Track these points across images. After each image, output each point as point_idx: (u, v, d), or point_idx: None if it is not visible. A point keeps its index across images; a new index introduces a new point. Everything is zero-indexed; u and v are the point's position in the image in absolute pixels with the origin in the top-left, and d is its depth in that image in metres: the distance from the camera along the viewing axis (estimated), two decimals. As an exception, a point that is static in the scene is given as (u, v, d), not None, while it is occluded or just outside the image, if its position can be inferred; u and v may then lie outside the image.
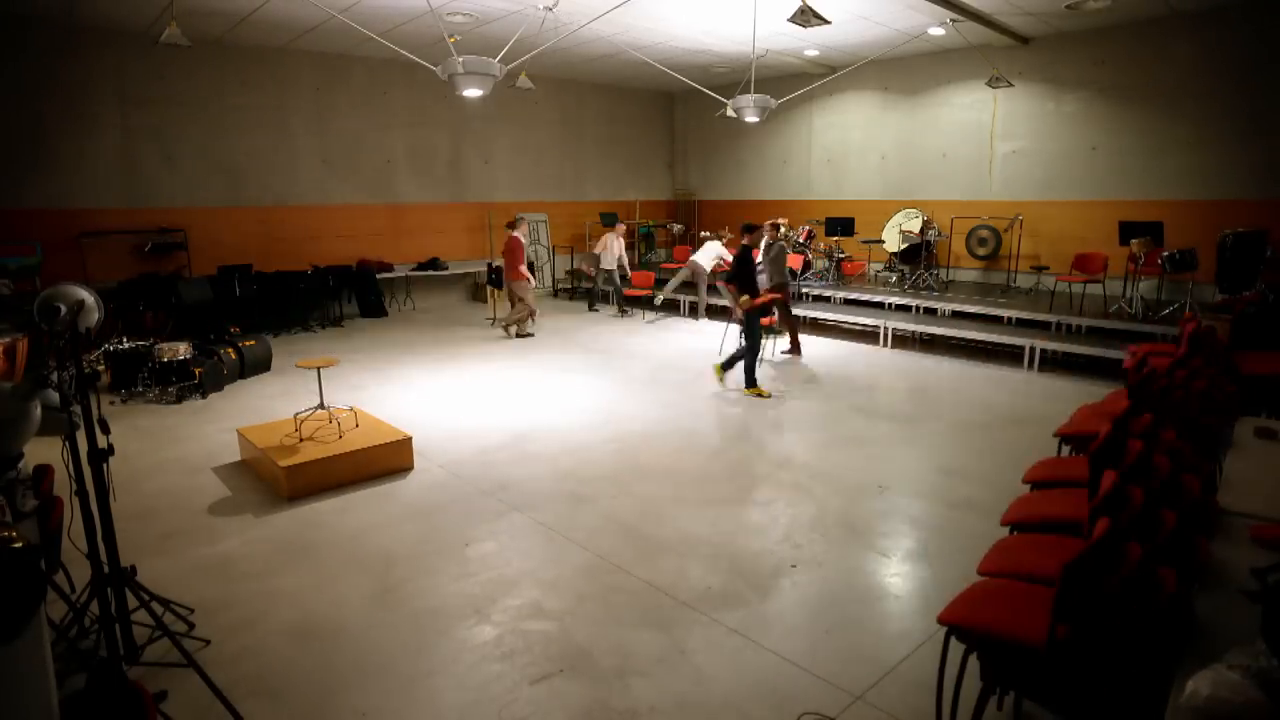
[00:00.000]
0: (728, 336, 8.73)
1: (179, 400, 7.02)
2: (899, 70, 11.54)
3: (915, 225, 11.00)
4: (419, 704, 2.86)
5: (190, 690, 2.81)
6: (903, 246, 11.04)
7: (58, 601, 3.11)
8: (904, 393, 7.31)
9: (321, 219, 11.26)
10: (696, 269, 10.70)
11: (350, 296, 11.42)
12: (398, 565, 3.94)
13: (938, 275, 10.77)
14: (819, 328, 10.37)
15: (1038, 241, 10.42)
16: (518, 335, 9.90)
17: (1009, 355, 8.54)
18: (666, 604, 3.54)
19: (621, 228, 11.63)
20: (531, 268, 10.53)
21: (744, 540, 4.19)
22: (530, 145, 13.60)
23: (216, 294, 9.54)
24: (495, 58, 6.04)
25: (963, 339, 8.83)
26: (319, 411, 5.58)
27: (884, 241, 11.43)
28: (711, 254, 10.59)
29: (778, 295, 8.14)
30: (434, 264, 12.28)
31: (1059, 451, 4.49)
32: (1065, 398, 6.87)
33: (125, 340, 7.36)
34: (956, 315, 9.36)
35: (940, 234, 10.79)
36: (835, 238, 11.64)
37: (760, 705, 2.83)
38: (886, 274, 11.34)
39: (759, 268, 7.84)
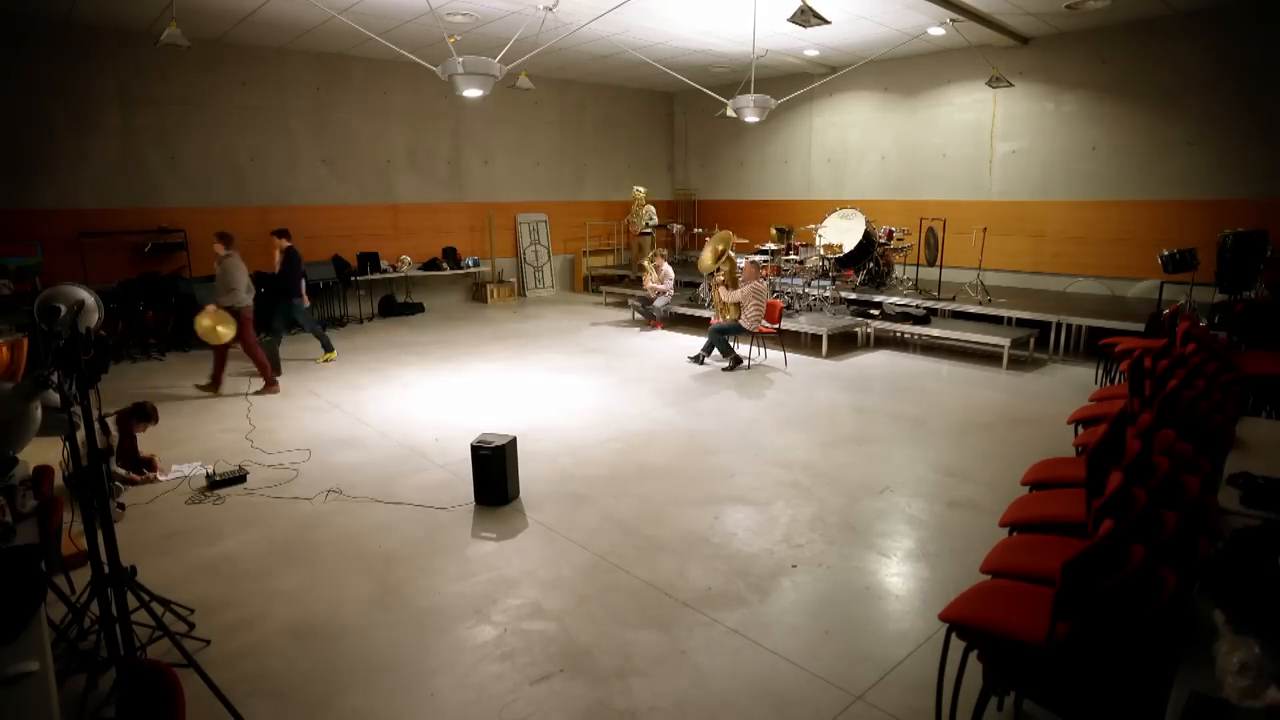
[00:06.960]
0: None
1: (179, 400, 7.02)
2: (899, 70, 11.53)
3: (853, 231, 10.01)
4: (419, 704, 2.86)
5: (190, 690, 2.78)
6: (839, 255, 10.16)
7: (58, 602, 3.11)
8: (903, 393, 7.31)
9: (322, 219, 11.25)
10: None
11: (349, 293, 11.41)
12: (398, 565, 3.94)
13: (893, 278, 10.46)
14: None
15: (1037, 241, 10.41)
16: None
17: (1009, 356, 8.53)
18: (666, 604, 3.54)
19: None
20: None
21: (744, 540, 4.19)
22: (530, 145, 13.60)
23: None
24: (495, 58, 6.04)
25: (962, 340, 8.82)
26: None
27: (820, 243, 10.37)
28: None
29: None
30: (434, 264, 12.29)
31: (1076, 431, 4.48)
32: (1065, 398, 6.87)
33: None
34: (956, 315, 9.35)
35: (901, 236, 10.26)
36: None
37: (760, 705, 2.83)
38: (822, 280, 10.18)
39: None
